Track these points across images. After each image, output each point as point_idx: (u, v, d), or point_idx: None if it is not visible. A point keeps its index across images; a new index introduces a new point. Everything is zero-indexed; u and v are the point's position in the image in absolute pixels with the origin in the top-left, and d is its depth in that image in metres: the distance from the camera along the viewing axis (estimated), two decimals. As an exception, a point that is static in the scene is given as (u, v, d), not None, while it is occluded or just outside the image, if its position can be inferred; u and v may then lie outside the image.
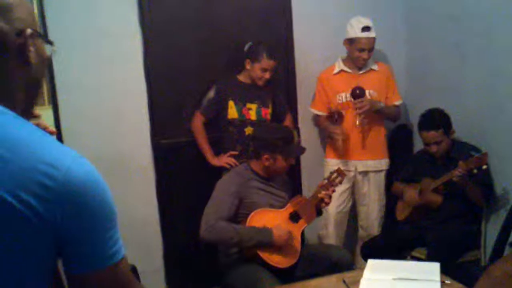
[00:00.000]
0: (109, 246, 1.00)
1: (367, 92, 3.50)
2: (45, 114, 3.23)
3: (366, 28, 3.47)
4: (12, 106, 0.98)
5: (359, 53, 3.54)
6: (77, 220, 0.95)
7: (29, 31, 1.01)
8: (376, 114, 3.57)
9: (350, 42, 3.56)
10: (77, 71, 3.31)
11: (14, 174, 0.90)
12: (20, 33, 1.00)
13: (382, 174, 3.73)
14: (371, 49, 3.55)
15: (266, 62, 3.40)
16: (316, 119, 3.81)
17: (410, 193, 3.43)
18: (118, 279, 1.03)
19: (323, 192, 2.97)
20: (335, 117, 3.60)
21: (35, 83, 1.07)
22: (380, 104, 3.57)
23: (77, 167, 0.96)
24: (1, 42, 0.97)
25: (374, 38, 3.52)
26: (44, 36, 1.09)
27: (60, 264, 1.03)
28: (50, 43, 1.11)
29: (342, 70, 3.65)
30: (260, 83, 3.47)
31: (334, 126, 3.59)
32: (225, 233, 2.69)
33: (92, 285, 1.00)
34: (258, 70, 3.42)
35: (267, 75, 3.43)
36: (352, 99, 3.49)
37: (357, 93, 3.46)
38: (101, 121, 3.41)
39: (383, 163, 3.73)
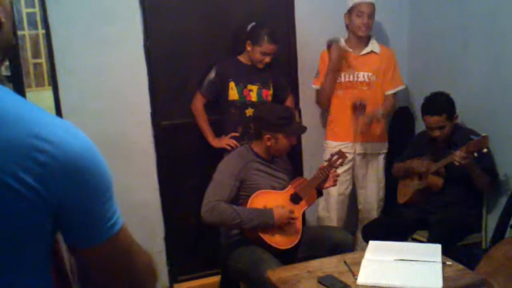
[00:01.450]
0: (108, 218, 0.98)
1: (365, 74, 3.48)
2: (45, 94, 3.24)
3: None
4: None
5: (359, 19, 3.51)
6: (74, 194, 0.92)
7: None
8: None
9: (350, 12, 3.54)
10: (77, 51, 3.28)
11: (5, 151, 0.86)
12: None
13: (381, 157, 3.73)
14: (370, 15, 3.51)
15: (266, 46, 3.37)
16: (317, 94, 3.76)
17: (418, 162, 3.41)
18: (120, 249, 1.01)
19: (330, 176, 3.00)
20: (358, 105, 3.52)
21: (7, 42, 1.01)
22: (379, 113, 3.52)
23: (70, 139, 0.92)
24: None
25: (373, 4, 3.50)
26: None
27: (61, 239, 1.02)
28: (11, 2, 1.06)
29: (338, 38, 3.61)
30: (260, 66, 3.44)
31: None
32: (226, 214, 2.69)
33: (95, 258, 0.99)
34: (258, 53, 3.39)
35: (267, 59, 3.41)
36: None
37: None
38: (101, 102, 3.38)
39: (382, 146, 3.72)
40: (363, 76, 3.57)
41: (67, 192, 0.91)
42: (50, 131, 0.90)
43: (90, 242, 0.97)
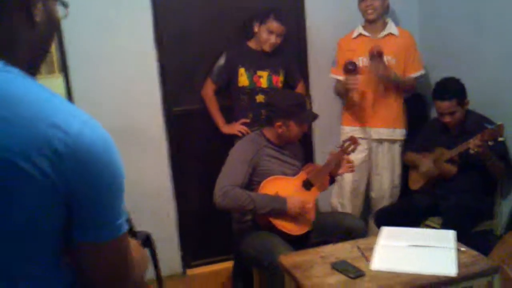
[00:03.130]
0: (117, 216, 0.98)
1: (384, 58, 3.44)
2: (56, 82, 3.25)
3: None
4: (15, 63, 0.93)
5: (363, 2, 3.51)
6: (89, 188, 0.92)
7: None
8: (389, 84, 3.51)
9: None
10: (87, 39, 3.27)
11: (23, 137, 0.86)
12: None
13: (397, 144, 3.69)
14: None
15: (272, 23, 3.33)
16: (337, 84, 3.73)
17: (425, 163, 3.39)
18: (122, 251, 1.01)
19: (344, 162, 2.99)
20: (349, 67, 3.43)
21: (40, 44, 1.01)
22: (394, 73, 3.48)
23: (88, 132, 0.92)
24: None
25: None
26: None
27: None
28: (64, 4, 1.06)
29: (360, 34, 3.61)
30: (266, 48, 3.40)
31: (349, 77, 3.45)
32: (240, 200, 2.68)
33: (97, 254, 0.98)
34: (265, 32, 3.36)
35: (273, 39, 3.37)
36: (346, 72, 3.43)
37: (349, 69, 3.41)
38: (112, 89, 3.38)
39: (398, 133, 3.68)
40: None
41: (80, 182, 0.91)
42: (68, 121, 0.90)
43: (96, 237, 0.96)
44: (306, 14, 3.78)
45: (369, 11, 3.51)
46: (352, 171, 3.06)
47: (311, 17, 3.78)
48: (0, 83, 0.89)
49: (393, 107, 3.62)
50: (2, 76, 0.90)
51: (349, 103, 3.64)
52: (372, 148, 3.67)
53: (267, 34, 3.36)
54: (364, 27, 3.62)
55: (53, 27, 1.03)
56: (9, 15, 0.94)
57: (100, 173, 0.93)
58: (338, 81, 3.67)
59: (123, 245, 1.01)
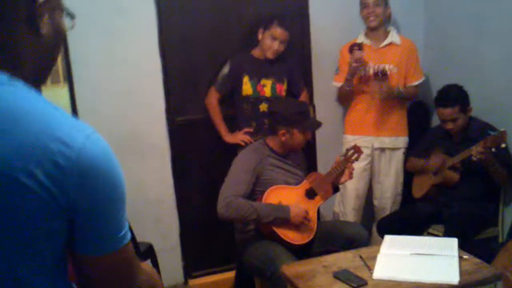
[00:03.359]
0: (119, 228, 0.98)
1: (386, 66, 3.45)
2: (60, 91, 3.26)
3: None
4: (20, 76, 0.93)
5: (365, 9, 3.51)
6: (90, 201, 0.92)
7: None
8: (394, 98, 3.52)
9: (361, 7, 3.55)
10: (92, 48, 3.29)
11: (25, 151, 0.86)
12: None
13: (400, 152, 3.69)
14: (376, 4, 3.48)
15: (276, 29, 3.34)
16: (338, 92, 3.73)
17: (434, 159, 3.37)
18: (125, 263, 1.02)
19: (347, 171, 2.98)
20: (355, 47, 3.41)
21: (46, 55, 1.01)
22: (396, 89, 3.48)
23: (91, 146, 0.92)
24: (10, 5, 0.92)
25: None
26: (64, 8, 1.03)
27: None
28: (71, 16, 1.06)
29: (362, 43, 3.60)
30: (270, 55, 3.40)
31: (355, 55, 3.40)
32: (243, 210, 2.68)
33: (99, 267, 0.98)
34: (268, 38, 3.36)
35: (276, 45, 3.37)
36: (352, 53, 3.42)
37: (354, 49, 3.40)
38: (116, 98, 3.40)
39: (401, 141, 3.68)
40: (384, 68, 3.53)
41: (82, 196, 0.91)
42: (71, 135, 0.90)
43: (97, 250, 0.97)
44: (310, 22, 3.78)
45: (371, 18, 3.52)
46: (350, 178, 3.05)
47: (315, 25, 3.79)
48: (4, 97, 0.89)
49: (396, 115, 3.63)
50: (7, 90, 0.91)
51: (353, 110, 3.64)
52: (374, 156, 3.67)
53: (271, 41, 3.37)
54: (366, 35, 3.62)
55: (60, 39, 1.03)
56: (14, 28, 0.93)
57: (102, 187, 0.93)
58: (340, 88, 3.67)
59: (126, 255, 1.01)
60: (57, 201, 0.89)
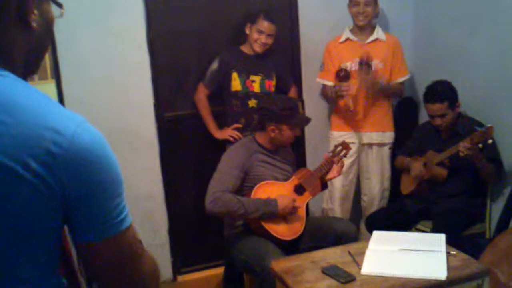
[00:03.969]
0: (116, 214, 0.98)
1: (372, 64, 3.46)
2: (48, 87, 3.24)
3: None
4: (11, 69, 0.94)
5: (355, 8, 3.51)
6: (85, 188, 0.93)
7: None
8: (378, 91, 3.52)
9: (350, 3, 3.55)
10: (80, 44, 3.27)
11: (18, 140, 0.87)
12: None
13: (386, 148, 3.71)
14: (367, 3, 3.48)
15: (262, 23, 3.34)
16: (323, 89, 3.73)
17: (416, 166, 3.40)
18: (127, 247, 1.02)
19: (335, 166, 2.99)
20: (341, 74, 3.45)
21: (37, 48, 1.02)
22: (381, 83, 3.50)
23: (83, 133, 0.93)
24: (1, 2, 0.92)
25: None
26: None
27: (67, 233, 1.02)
28: (59, 5, 1.06)
29: (348, 39, 3.60)
30: (257, 48, 3.39)
31: (342, 83, 3.44)
32: (231, 205, 2.68)
33: (100, 253, 0.99)
34: (255, 32, 3.36)
35: (263, 38, 3.37)
36: (339, 79, 3.43)
37: (341, 76, 3.41)
38: (104, 94, 3.38)
39: (387, 136, 3.70)
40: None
41: (76, 183, 0.92)
42: (63, 124, 0.91)
43: (96, 236, 0.97)
44: (299, 17, 3.78)
45: (361, 18, 3.51)
46: (338, 174, 3.06)
47: (304, 22, 3.79)
48: None
49: (382, 111, 3.64)
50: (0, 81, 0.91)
51: (339, 108, 3.64)
52: (361, 152, 3.68)
53: (258, 34, 3.36)
54: (352, 31, 3.62)
55: (49, 27, 1.04)
56: (6, 24, 0.94)
57: (96, 172, 0.94)
58: (324, 86, 3.68)
59: (127, 240, 1.01)
60: (52, 189, 0.90)
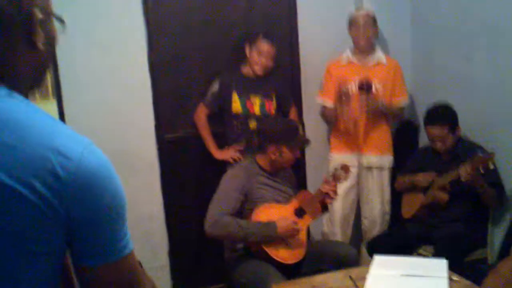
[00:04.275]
0: (119, 238, 0.98)
1: (373, 86, 3.46)
2: (49, 107, 3.24)
3: (361, 8, 3.49)
4: (17, 89, 0.94)
5: (356, 31, 3.52)
6: (90, 211, 0.93)
7: (38, 14, 0.95)
8: (378, 114, 3.53)
9: (349, 24, 3.56)
10: (81, 64, 3.29)
11: (24, 162, 0.87)
12: (28, 16, 0.94)
13: (386, 172, 3.69)
14: (367, 26, 3.49)
15: (262, 44, 3.35)
16: (323, 109, 3.72)
17: (421, 174, 3.35)
18: (127, 273, 1.01)
19: (327, 187, 2.94)
20: (343, 98, 3.46)
21: (42, 62, 1.02)
22: (380, 101, 3.49)
23: (89, 157, 0.93)
24: (6, 24, 0.92)
25: (368, 15, 3.50)
26: (55, 16, 1.03)
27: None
28: (61, 20, 1.06)
29: (350, 62, 3.61)
30: (258, 70, 3.40)
31: (343, 107, 3.45)
32: (230, 228, 2.67)
33: (100, 278, 0.98)
34: (255, 54, 3.37)
35: (263, 60, 3.38)
36: (340, 102, 3.45)
37: (343, 99, 3.42)
38: (105, 115, 3.39)
39: (386, 160, 3.68)
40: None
41: (81, 207, 0.92)
42: (70, 147, 0.91)
43: (97, 261, 0.96)
44: (300, 40, 3.79)
45: (362, 40, 3.52)
46: (333, 198, 3.00)
47: (304, 43, 3.80)
48: (4, 109, 0.90)
49: (382, 134, 3.64)
50: (6, 102, 0.91)
51: (339, 129, 3.63)
52: (361, 175, 3.67)
53: (258, 56, 3.37)
54: (353, 53, 3.62)
55: (53, 44, 1.04)
56: (13, 45, 0.94)
57: (101, 197, 0.94)
58: (325, 106, 3.67)
59: (128, 265, 1.00)
60: (57, 212, 0.89)
